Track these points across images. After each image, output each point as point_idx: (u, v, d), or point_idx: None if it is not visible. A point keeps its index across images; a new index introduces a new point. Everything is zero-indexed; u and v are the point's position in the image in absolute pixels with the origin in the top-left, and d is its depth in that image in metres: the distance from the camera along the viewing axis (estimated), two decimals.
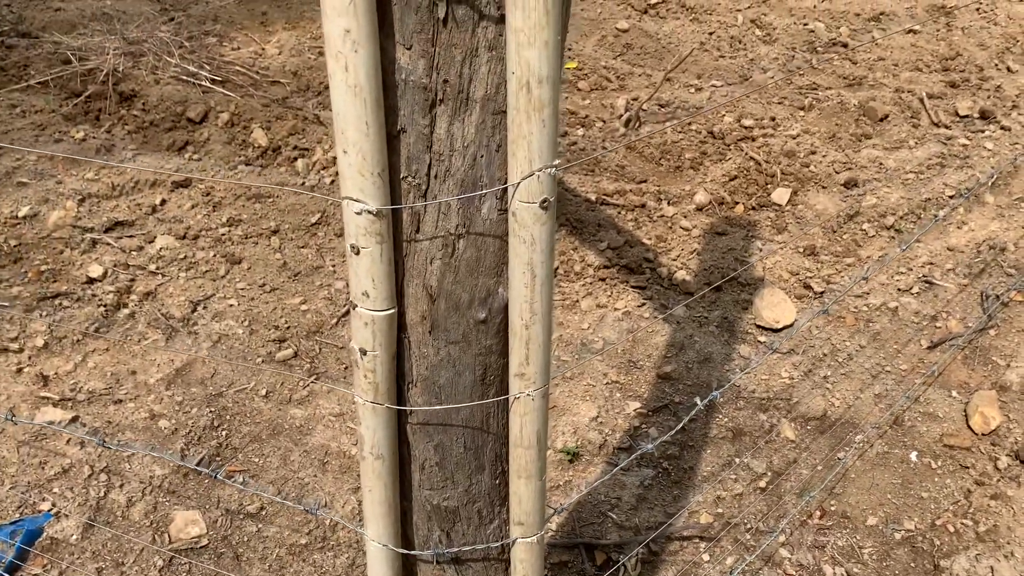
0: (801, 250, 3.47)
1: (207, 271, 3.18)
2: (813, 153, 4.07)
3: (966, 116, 4.47)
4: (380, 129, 0.97)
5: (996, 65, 5.03)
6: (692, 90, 4.66)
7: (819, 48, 5.18)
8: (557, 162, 0.99)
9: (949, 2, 5.85)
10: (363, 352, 1.10)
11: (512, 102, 0.95)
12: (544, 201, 1.01)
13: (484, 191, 1.03)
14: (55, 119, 3.86)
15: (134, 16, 4.80)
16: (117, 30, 4.45)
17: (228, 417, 2.63)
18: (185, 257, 3.23)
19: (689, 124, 4.21)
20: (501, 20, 0.93)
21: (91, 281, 3.06)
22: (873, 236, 3.59)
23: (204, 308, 3.04)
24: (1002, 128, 4.36)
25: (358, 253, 1.02)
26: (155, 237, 3.29)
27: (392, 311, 1.09)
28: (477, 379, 1.18)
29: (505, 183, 1.04)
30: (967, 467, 2.55)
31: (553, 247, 1.06)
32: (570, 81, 4.66)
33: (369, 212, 0.99)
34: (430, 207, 1.05)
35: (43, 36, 4.42)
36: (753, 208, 3.71)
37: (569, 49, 4.96)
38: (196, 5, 5.08)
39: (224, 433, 2.59)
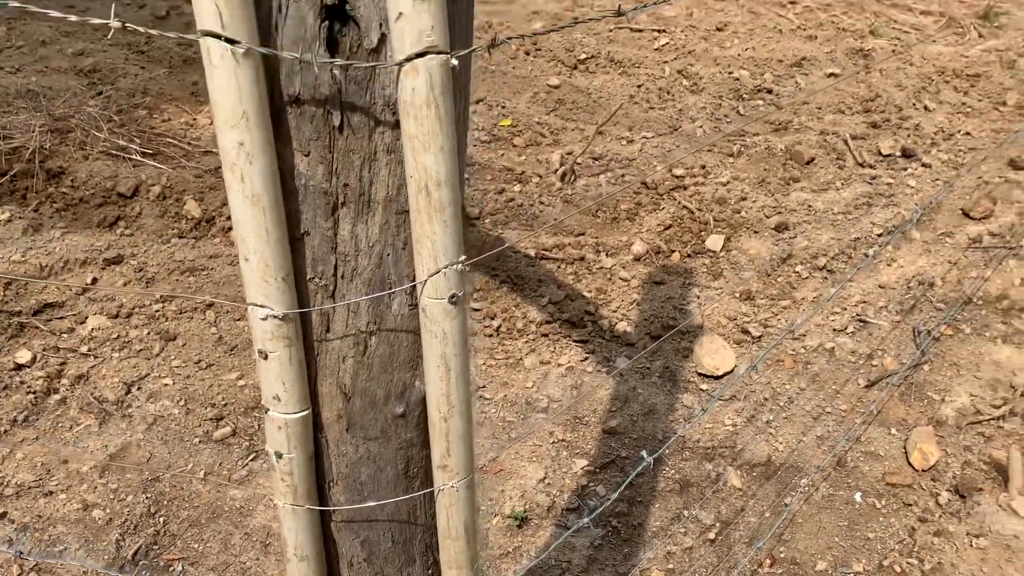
0: (737, 295, 3.53)
1: (141, 350, 3.11)
2: (744, 199, 4.16)
3: (889, 155, 4.63)
4: (282, 235, 0.96)
5: (914, 104, 5.23)
6: (624, 142, 4.75)
7: (745, 95, 5.33)
8: (463, 258, 0.99)
9: (867, 45, 6.09)
10: (279, 455, 1.08)
11: (413, 204, 0.95)
12: (453, 296, 1.01)
13: (392, 290, 1.03)
14: None
15: (61, 91, 4.73)
16: (43, 106, 4.39)
17: (165, 502, 2.55)
18: (118, 337, 3.15)
19: (623, 176, 4.28)
20: (398, 125, 0.94)
21: (19, 367, 2.97)
22: (807, 278, 3.67)
23: (139, 389, 2.96)
24: (923, 165, 4.53)
25: (266, 358, 1.01)
26: (86, 317, 3.21)
27: (306, 412, 1.07)
28: (400, 473, 1.16)
29: (414, 279, 1.03)
30: (910, 504, 2.59)
31: (466, 339, 1.06)
32: (505, 138, 4.71)
33: (275, 317, 0.98)
34: (339, 306, 1.04)
35: None
36: (689, 256, 3.77)
37: (503, 107, 5.03)
38: (125, 78, 5.03)
39: (162, 520, 2.51)
